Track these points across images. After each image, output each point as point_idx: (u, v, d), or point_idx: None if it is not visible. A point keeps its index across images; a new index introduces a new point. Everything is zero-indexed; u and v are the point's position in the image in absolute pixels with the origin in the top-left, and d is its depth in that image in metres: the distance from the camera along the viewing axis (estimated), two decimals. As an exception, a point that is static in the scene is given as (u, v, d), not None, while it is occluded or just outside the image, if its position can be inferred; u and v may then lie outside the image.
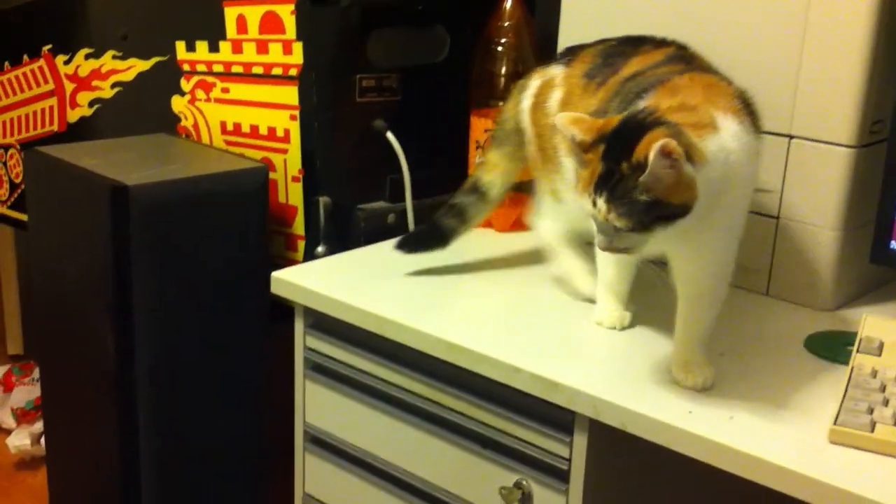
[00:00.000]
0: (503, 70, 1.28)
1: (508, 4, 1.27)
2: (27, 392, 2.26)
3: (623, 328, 1.02)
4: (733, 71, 0.97)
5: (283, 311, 1.19)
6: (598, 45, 1.05)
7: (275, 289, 1.16)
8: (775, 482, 0.78)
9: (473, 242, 1.30)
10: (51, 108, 1.78)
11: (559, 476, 0.93)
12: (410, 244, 1.15)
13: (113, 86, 1.63)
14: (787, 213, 1.09)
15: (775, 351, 0.99)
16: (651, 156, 0.77)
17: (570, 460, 0.92)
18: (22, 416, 2.22)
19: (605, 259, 1.01)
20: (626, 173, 0.80)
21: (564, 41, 1.23)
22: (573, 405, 0.89)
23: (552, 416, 0.92)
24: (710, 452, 0.81)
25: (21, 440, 2.17)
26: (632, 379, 0.92)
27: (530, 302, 1.11)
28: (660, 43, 1.02)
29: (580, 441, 0.91)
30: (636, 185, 0.79)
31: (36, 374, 2.32)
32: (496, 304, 1.12)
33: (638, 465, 0.96)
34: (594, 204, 0.82)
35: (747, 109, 0.90)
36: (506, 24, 1.26)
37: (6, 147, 1.92)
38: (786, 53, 1.06)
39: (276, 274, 1.16)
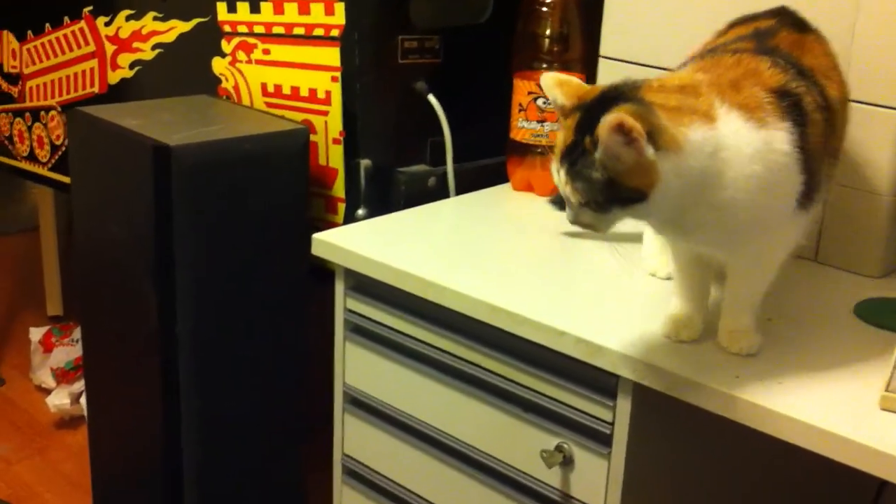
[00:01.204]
0: (547, 31, 1.26)
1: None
2: (66, 353, 2.29)
3: (667, 277, 1.01)
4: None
5: (324, 273, 1.19)
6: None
7: (315, 250, 1.16)
8: (825, 448, 0.77)
9: (515, 205, 1.30)
10: (91, 69, 1.78)
11: (601, 440, 0.93)
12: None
13: (154, 47, 1.63)
14: (838, 179, 1.07)
15: (825, 317, 0.98)
16: (603, 131, 0.73)
17: (612, 424, 0.92)
18: (62, 376, 2.26)
19: None
20: (588, 147, 0.76)
21: (611, 2, 1.21)
22: (617, 369, 0.89)
23: (596, 379, 0.92)
24: (757, 418, 0.80)
25: (61, 399, 2.21)
26: (677, 343, 0.91)
27: (574, 265, 1.11)
28: (769, 14, 0.96)
29: (623, 405, 0.90)
30: (593, 160, 0.76)
31: (75, 334, 2.35)
32: (539, 266, 1.11)
33: (682, 428, 0.96)
34: (559, 173, 0.79)
35: (784, 109, 0.82)
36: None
37: (47, 109, 1.94)
38: (841, 14, 1.04)
39: (316, 235, 1.16)
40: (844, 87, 0.95)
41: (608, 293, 1.02)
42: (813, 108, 0.84)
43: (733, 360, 0.87)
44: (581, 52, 1.27)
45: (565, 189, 0.79)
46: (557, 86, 0.81)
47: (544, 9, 1.25)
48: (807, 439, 0.78)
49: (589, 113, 0.77)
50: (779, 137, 0.81)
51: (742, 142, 0.79)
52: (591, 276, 1.07)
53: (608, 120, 0.73)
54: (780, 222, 0.84)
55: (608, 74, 1.23)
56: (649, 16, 1.18)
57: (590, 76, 1.27)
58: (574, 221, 0.81)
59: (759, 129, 0.80)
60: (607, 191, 0.76)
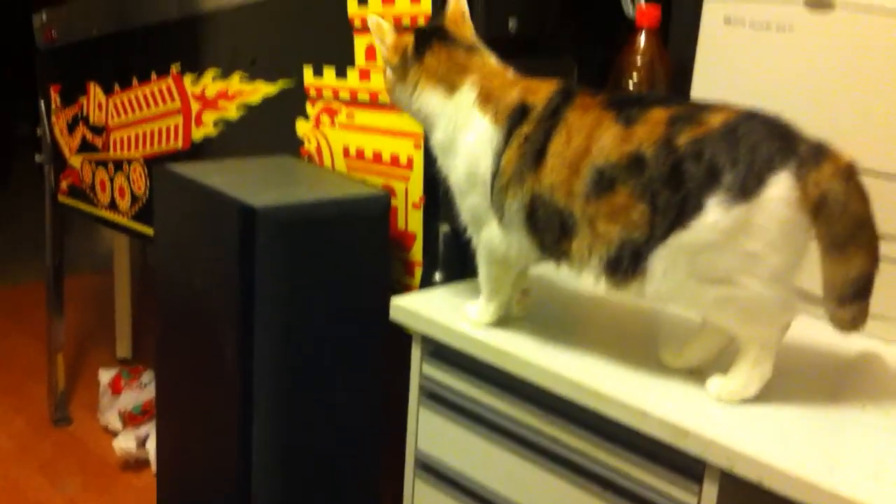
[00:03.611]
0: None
1: (643, 39, 1.26)
2: (134, 396, 2.34)
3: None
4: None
5: (403, 334, 1.20)
6: None
7: (394, 315, 1.17)
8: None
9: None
10: (176, 125, 1.84)
11: (684, 525, 0.91)
12: None
13: (238, 107, 1.67)
14: None
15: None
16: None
17: (696, 510, 0.90)
18: (129, 420, 2.29)
19: None
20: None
21: (700, 79, 1.22)
22: (704, 454, 0.87)
23: (681, 462, 0.90)
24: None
25: (127, 443, 2.24)
26: (767, 426, 0.89)
27: (659, 340, 1.09)
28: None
29: (710, 491, 0.89)
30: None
31: (144, 378, 2.39)
32: (624, 341, 1.10)
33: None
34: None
35: (508, 117, 0.98)
36: (639, 60, 1.25)
37: (130, 161, 2.00)
38: None
39: (395, 301, 1.17)
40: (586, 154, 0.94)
41: (696, 373, 1.01)
42: (524, 139, 0.97)
43: (827, 449, 0.85)
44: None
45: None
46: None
47: (630, 85, 1.26)
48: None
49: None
50: (482, 123, 1.00)
51: (455, 110, 1.02)
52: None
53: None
54: (464, 197, 1.04)
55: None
56: (737, 95, 1.18)
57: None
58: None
59: (478, 111, 1.00)
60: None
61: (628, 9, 1.38)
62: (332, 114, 1.49)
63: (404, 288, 1.40)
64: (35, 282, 3.20)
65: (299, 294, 1.30)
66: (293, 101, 1.55)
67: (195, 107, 1.78)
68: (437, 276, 1.36)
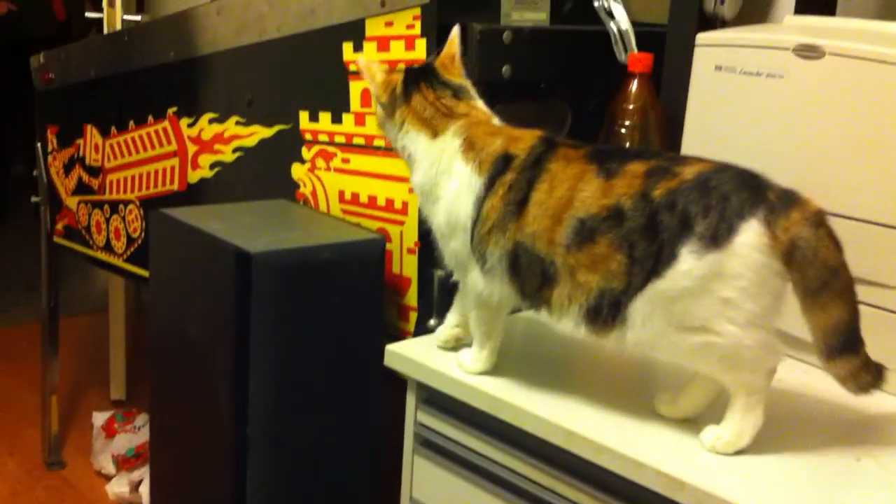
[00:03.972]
0: (625, 151, 1.27)
1: (635, 86, 1.27)
2: (128, 439, 2.32)
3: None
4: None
5: (397, 379, 1.19)
6: None
7: (388, 361, 1.17)
8: None
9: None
10: (172, 168, 1.85)
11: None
12: None
13: (235, 150, 1.68)
14: None
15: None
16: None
17: (693, 561, 0.89)
18: (122, 463, 2.28)
19: None
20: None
21: (692, 124, 1.22)
22: (701, 506, 0.87)
23: (678, 514, 0.90)
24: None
25: (120, 487, 2.23)
26: (764, 478, 0.89)
27: (655, 388, 1.09)
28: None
29: (706, 543, 0.88)
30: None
31: (138, 421, 2.38)
32: (621, 390, 1.10)
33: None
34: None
35: (491, 166, 0.99)
36: (631, 105, 1.26)
37: (125, 202, 2.00)
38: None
39: (390, 347, 1.17)
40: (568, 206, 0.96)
41: (692, 421, 1.00)
42: (508, 188, 0.98)
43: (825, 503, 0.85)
44: (658, 172, 1.28)
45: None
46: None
47: (623, 130, 1.27)
48: None
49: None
50: (464, 170, 1.01)
51: (439, 154, 1.04)
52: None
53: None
54: (446, 242, 1.05)
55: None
56: (728, 141, 1.19)
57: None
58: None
59: (460, 159, 1.02)
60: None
61: (621, 55, 1.39)
62: (328, 158, 1.49)
63: (399, 333, 1.40)
64: (29, 324, 3.20)
65: (294, 338, 1.30)
66: (289, 145, 1.56)
67: (191, 149, 1.79)
68: (432, 322, 1.35)
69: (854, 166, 1.08)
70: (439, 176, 1.04)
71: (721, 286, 0.87)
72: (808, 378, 1.07)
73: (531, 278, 0.97)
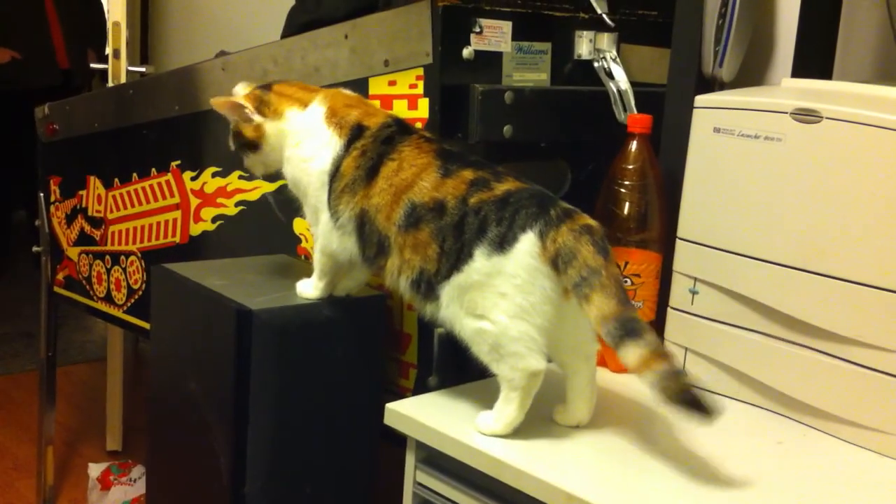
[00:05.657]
0: (626, 211, 1.28)
1: (634, 146, 1.29)
2: (124, 492, 2.30)
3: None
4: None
5: (398, 437, 1.19)
6: None
7: (388, 420, 1.17)
8: None
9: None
10: (174, 220, 1.85)
11: None
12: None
13: (237, 204, 1.69)
14: None
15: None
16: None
17: None
18: (117, 516, 2.25)
19: None
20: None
21: (690, 185, 1.24)
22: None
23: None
24: None
25: (115, 540, 2.20)
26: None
27: (662, 450, 1.08)
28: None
29: None
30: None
31: (133, 473, 2.35)
32: (621, 451, 1.09)
33: None
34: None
35: (349, 133, 1.18)
36: (630, 166, 1.28)
37: (127, 254, 2.01)
38: None
39: (390, 405, 1.16)
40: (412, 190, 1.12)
41: (693, 485, 1.00)
42: (361, 152, 1.16)
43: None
44: (659, 233, 1.29)
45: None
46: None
47: (623, 190, 1.28)
48: None
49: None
50: (327, 132, 1.19)
51: (307, 125, 1.21)
52: (677, 463, 1.05)
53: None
54: (308, 192, 1.24)
55: (686, 256, 1.24)
56: (727, 202, 1.20)
57: (667, 256, 1.28)
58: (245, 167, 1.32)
59: (325, 123, 1.20)
60: (236, 140, 1.27)
61: (620, 115, 1.41)
62: (329, 214, 1.50)
63: (399, 389, 1.40)
64: (25, 373, 3.18)
65: (293, 395, 1.30)
66: (291, 200, 1.56)
67: (194, 202, 1.80)
68: (432, 380, 1.35)
69: (852, 230, 1.08)
70: (305, 135, 1.21)
71: (501, 282, 1.04)
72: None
73: (371, 246, 1.15)
